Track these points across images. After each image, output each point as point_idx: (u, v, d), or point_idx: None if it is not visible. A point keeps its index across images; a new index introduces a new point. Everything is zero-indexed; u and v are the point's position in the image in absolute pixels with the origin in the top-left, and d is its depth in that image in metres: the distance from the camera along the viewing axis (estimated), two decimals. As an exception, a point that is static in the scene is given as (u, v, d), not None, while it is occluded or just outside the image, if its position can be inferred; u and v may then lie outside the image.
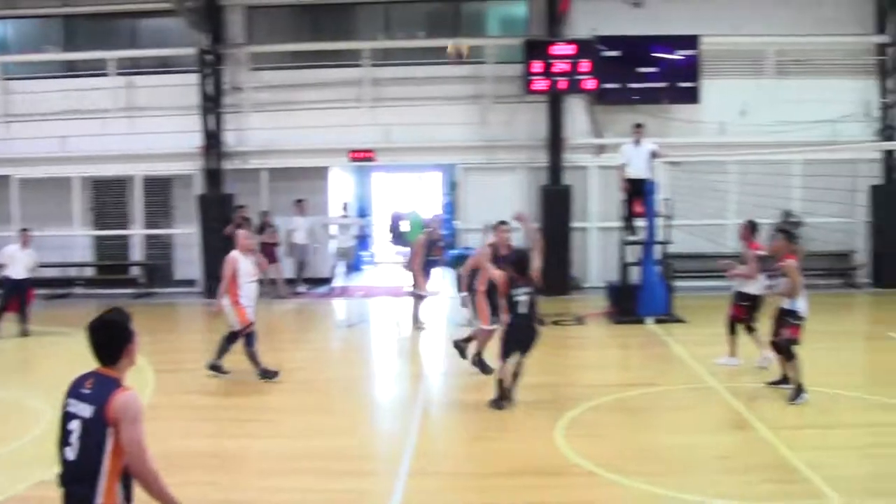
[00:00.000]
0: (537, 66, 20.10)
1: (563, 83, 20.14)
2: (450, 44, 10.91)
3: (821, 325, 16.56)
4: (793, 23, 21.17)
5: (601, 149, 21.02)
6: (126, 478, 4.82)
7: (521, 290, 11.08)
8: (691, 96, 20.69)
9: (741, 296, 13.17)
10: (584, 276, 21.30)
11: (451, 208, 24.79)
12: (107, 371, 4.90)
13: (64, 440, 4.81)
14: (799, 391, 11.10)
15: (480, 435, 10.21)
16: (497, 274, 11.34)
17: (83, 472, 4.73)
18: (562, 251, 20.24)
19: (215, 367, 12.59)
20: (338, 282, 21.86)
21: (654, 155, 17.13)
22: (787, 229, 12.39)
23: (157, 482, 4.82)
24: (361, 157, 21.68)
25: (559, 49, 20.10)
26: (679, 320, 17.03)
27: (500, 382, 11.14)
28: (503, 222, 12.55)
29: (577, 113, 21.21)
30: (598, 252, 21.13)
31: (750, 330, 13.25)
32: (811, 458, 8.91)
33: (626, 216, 17.75)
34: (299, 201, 21.39)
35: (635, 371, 13.98)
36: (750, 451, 9.43)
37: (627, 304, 17.12)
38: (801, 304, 11.32)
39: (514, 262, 11.30)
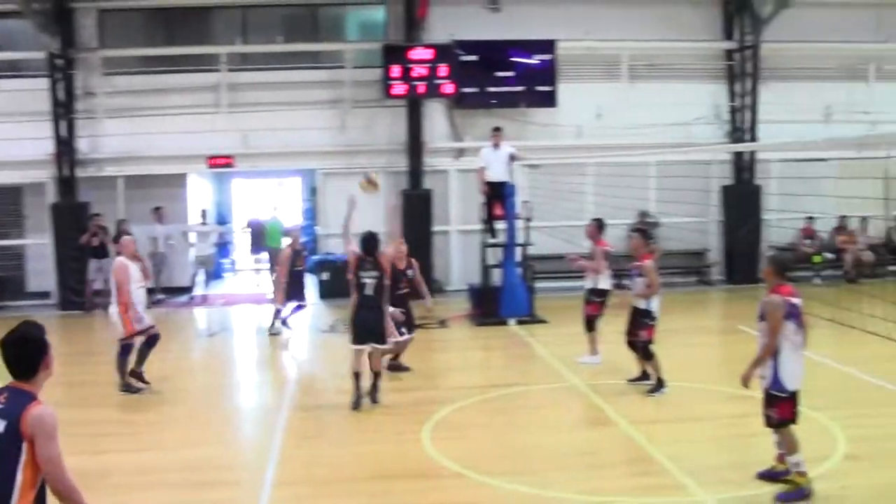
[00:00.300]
0: (396, 70, 20.41)
1: (421, 88, 20.51)
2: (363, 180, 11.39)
3: (677, 322, 17.38)
4: (646, 28, 22.12)
5: (461, 152, 21.49)
6: (41, 494, 4.77)
7: (369, 273, 11.26)
8: (549, 100, 21.34)
9: (593, 292, 13.71)
10: (447, 280, 21.71)
11: (311, 214, 24.84)
12: (21, 385, 4.84)
13: None
14: (660, 385, 11.71)
15: (347, 440, 10.36)
16: (349, 250, 11.54)
17: None
18: (423, 255, 20.50)
19: (126, 388, 12.42)
20: (198, 290, 21.66)
21: (512, 158, 17.61)
22: (644, 229, 12.92)
23: (77, 497, 4.79)
24: (220, 163, 21.54)
25: (417, 54, 20.45)
26: (540, 321, 17.53)
27: (356, 376, 11.30)
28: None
29: (436, 117, 21.64)
30: (459, 255, 21.57)
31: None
32: (671, 451, 9.40)
33: (486, 219, 18.17)
34: (157, 209, 21.09)
35: (499, 372, 14.45)
36: (612, 447, 9.93)
37: (489, 305, 17.55)
38: (654, 304, 11.81)
39: (362, 241, 11.45)
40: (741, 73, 22.34)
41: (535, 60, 21.15)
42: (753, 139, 21.81)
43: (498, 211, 17.85)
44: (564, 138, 21.40)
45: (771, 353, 8.01)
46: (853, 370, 13.08)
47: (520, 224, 17.76)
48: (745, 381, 8.21)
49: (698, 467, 8.94)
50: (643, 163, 20.97)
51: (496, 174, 17.59)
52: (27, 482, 4.68)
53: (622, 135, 21.07)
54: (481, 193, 18.05)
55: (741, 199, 22.23)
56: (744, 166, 22.35)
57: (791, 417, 8.09)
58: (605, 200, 19.65)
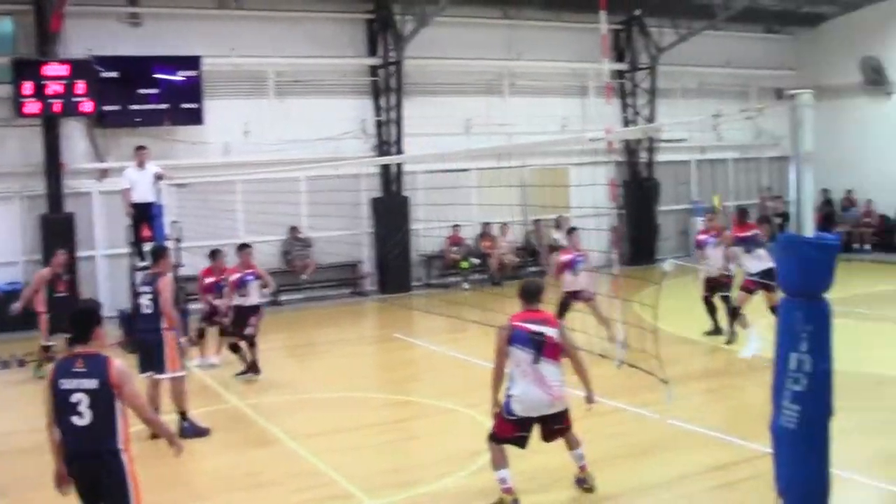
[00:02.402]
0: (28, 87, 19.72)
1: (57, 106, 20.00)
2: None
3: (334, 334, 17.89)
4: (292, 45, 23.00)
5: (104, 173, 20.93)
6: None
7: None
8: (195, 117, 21.69)
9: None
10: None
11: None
12: (87, 349, 6.50)
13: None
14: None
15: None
16: None
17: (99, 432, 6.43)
18: (69, 282, 19.53)
19: None
20: None
21: (158, 178, 17.37)
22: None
23: (158, 420, 7.25)
24: None
25: (52, 69, 19.92)
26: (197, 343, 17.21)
27: None
28: None
29: (76, 137, 21.20)
30: (107, 280, 21.08)
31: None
32: (335, 462, 9.98)
33: (133, 241, 17.88)
34: None
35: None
36: (277, 464, 10.26)
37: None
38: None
39: None
40: (385, 88, 23.92)
41: (179, 77, 21.40)
42: (399, 152, 23.37)
43: (146, 232, 17.71)
44: (213, 156, 21.85)
45: (496, 376, 8.41)
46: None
47: (169, 245, 17.24)
48: (493, 412, 8.56)
49: (362, 474, 9.55)
50: (293, 178, 21.48)
51: (142, 195, 17.51)
52: (125, 423, 6.53)
53: (271, 151, 21.96)
54: (127, 215, 17.69)
55: (390, 211, 23.44)
56: (391, 178, 23.80)
57: (501, 435, 8.45)
58: (256, 217, 19.68)
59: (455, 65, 24.66)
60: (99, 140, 21.17)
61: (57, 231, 20.20)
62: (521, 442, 8.50)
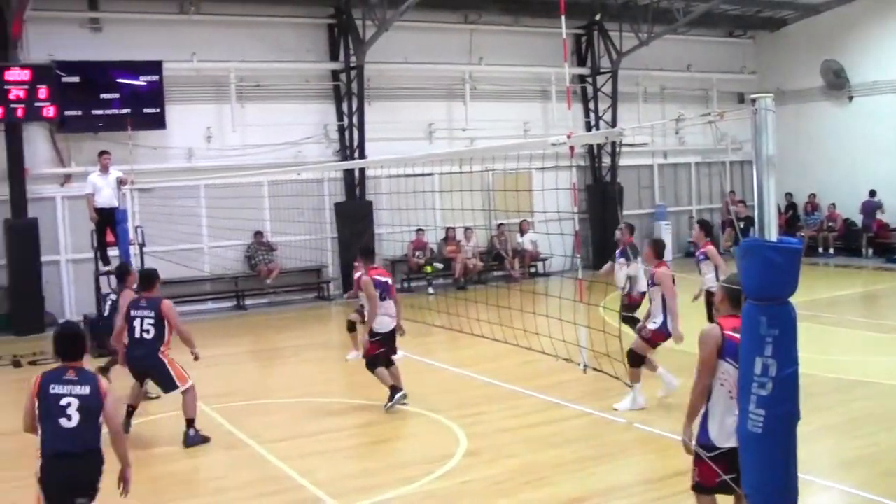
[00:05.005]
0: (-9, 92, 20.36)
1: (20, 110, 21.01)
2: None
3: (299, 339, 18.63)
4: (252, 49, 24.32)
5: (67, 178, 21.71)
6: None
7: None
8: (157, 122, 22.81)
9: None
10: (60, 312, 21.69)
11: None
12: (79, 363, 7.38)
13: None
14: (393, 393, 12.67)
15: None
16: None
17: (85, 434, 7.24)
18: (34, 287, 20.41)
19: None
20: None
21: (121, 182, 18.11)
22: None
23: (123, 442, 7.61)
24: None
25: (14, 75, 20.97)
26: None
27: None
28: None
29: (39, 142, 22.14)
30: (72, 285, 22.05)
31: None
32: (301, 466, 10.39)
33: (98, 246, 18.46)
34: None
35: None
36: (243, 468, 10.66)
37: (107, 336, 17.69)
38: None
39: None
40: (347, 92, 25.23)
41: (141, 82, 22.43)
42: (362, 156, 24.20)
43: (110, 237, 18.34)
44: (175, 161, 22.91)
45: (700, 396, 6.96)
46: (466, 371, 15.23)
47: (133, 250, 18.18)
48: (686, 446, 7.22)
49: (330, 478, 9.94)
50: (256, 183, 22.25)
51: (105, 200, 18.23)
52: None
53: (233, 156, 22.83)
54: (91, 220, 18.57)
55: (354, 215, 24.28)
56: (354, 183, 24.20)
57: (710, 483, 6.97)
58: (219, 222, 20.48)
59: (416, 69, 26.04)
60: (61, 145, 22.26)
61: (21, 236, 21.19)
62: (728, 486, 6.79)
